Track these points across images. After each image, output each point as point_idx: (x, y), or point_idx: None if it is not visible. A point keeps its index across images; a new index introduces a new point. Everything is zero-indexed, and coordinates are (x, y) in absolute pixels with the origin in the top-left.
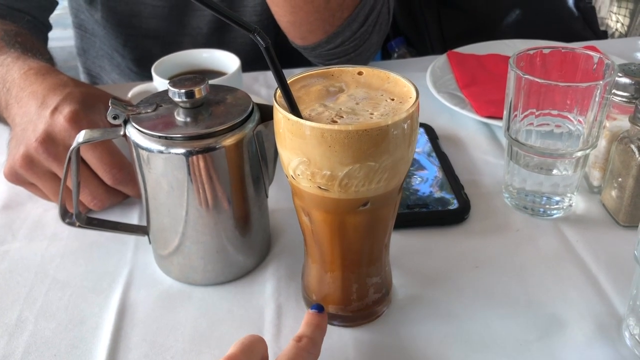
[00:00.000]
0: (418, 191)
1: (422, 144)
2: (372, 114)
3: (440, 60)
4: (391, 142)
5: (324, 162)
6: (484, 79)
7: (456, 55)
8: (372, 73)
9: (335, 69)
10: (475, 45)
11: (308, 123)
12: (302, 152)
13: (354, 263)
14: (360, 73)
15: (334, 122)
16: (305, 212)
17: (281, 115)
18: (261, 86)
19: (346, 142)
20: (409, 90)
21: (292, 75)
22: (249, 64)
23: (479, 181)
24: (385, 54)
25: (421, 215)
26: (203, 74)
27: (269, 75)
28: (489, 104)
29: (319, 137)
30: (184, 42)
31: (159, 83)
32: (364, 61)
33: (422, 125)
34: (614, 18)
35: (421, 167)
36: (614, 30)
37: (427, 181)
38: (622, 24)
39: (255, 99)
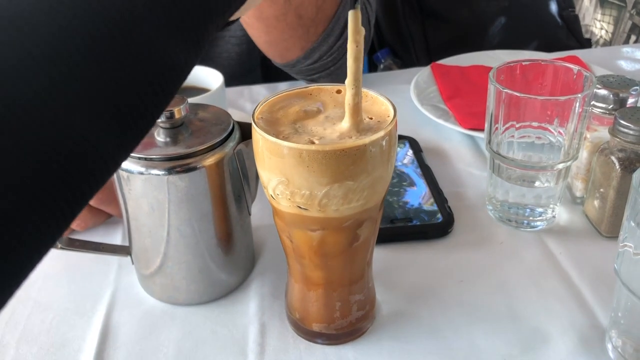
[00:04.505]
0: (407, 203)
1: (408, 157)
2: (350, 134)
3: (424, 73)
4: (369, 161)
5: (302, 182)
6: (467, 91)
7: (440, 67)
8: None
9: (313, 87)
10: (459, 56)
11: (286, 143)
12: (280, 172)
13: (336, 281)
14: (338, 92)
15: (312, 142)
16: (286, 232)
17: (259, 135)
18: (246, 101)
19: (324, 162)
20: (386, 108)
21: (271, 95)
22: (235, 78)
23: (463, 193)
24: (372, 65)
25: (405, 229)
26: (186, 91)
27: (254, 89)
28: (472, 116)
29: (297, 157)
30: None
31: None
32: (345, 74)
33: (406, 138)
34: (598, 25)
35: (412, 183)
36: (598, 37)
37: (417, 195)
38: (607, 31)
39: (240, 115)
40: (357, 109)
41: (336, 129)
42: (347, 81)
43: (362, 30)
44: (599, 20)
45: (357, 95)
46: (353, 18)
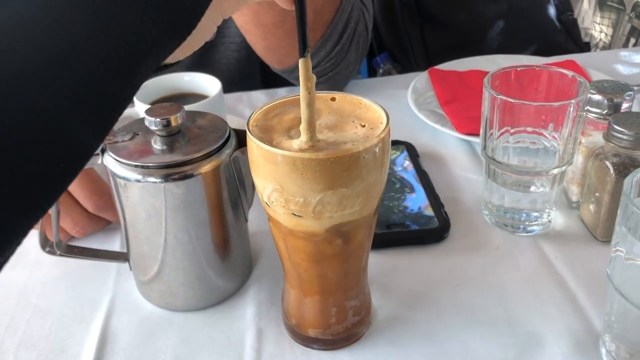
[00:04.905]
0: (407, 208)
1: (405, 163)
2: (344, 141)
3: (421, 78)
4: (363, 168)
5: (296, 189)
6: (464, 96)
7: (437, 72)
8: (345, 99)
9: None
10: (458, 61)
11: (279, 151)
12: (275, 179)
13: (331, 287)
14: (333, 99)
15: (306, 149)
16: (281, 238)
17: (254, 143)
18: (245, 107)
19: (318, 170)
20: (380, 116)
21: (266, 102)
22: (234, 84)
23: (459, 198)
24: (371, 70)
25: (401, 234)
26: (185, 98)
27: (253, 95)
28: (469, 121)
29: (291, 165)
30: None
31: (141, 108)
32: (344, 79)
33: (403, 143)
34: (597, 28)
35: (410, 188)
36: (597, 40)
37: (415, 200)
38: (606, 34)
39: (238, 121)
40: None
41: (325, 134)
42: (301, 127)
43: (313, 77)
44: (598, 24)
45: (311, 139)
46: (303, 66)
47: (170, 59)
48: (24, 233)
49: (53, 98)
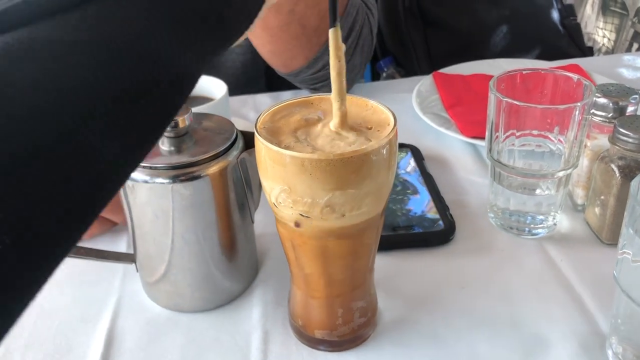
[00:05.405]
0: (410, 211)
1: (410, 166)
2: (351, 142)
3: (426, 81)
4: (370, 169)
5: (304, 190)
6: (469, 99)
7: (441, 75)
8: (351, 101)
9: (315, 97)
10: (461, 65)
11: (288, 152)
12: (283, 180)
13: (338, 288)
14: None
15: (314, 150)
16: (288, 239)
17: (262, 144)
18: (250, 110)
19: (327, 170)
20: (387, 117)
21: (273, 104)
22: (239, 87)
23: (464, 201)
24: (375, 74)
25: (407, 237)
26: (190, 100)
27: (258, 98)
28: (474, 124)
29: (299, 166)
30: None
31: None
32: (348, 83)
33: (408, 146)
34: (601, 33)
35: (415, 191)
36: (600, 45)
37: (420, 203)
38: (609, 39)
39: (243, 124)
40: (343, 118)
41: (332, 135)
42: (332, 95)
43: (343, 46)
44: (601, 29)
45: (343, 105)
46: (333, 35)
47: None
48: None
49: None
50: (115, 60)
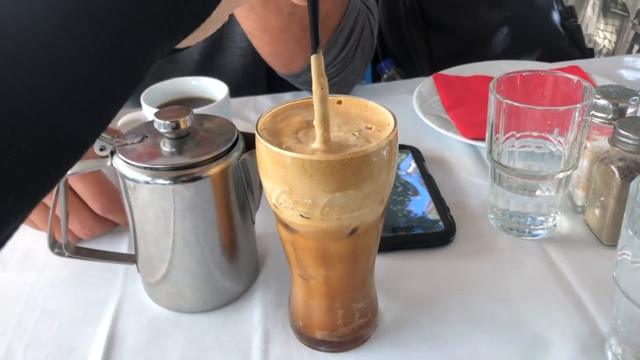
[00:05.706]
0: (411, 212)
1: (411, 167)
2: (352, 144)
3: (426, 83)
4: (370, 170)
5: (305, 191)
6: (469, 101)
7: (442, 77)
8: (351, 102)
9: None
10: (461, 67)
11: (288, 153)
12: (283, 181)
13: (338, 289)
14: (339, 102)
15: (314, 152)
16: (289, 240)
17: (263, 145)
18: (251, 111)
19: (327, 171)
20: (386, 118)
21: (274, 106)
22: (240, 89)
23: (465, 202)
24: (375, 76)
25: (407, 238)
26: (192, 102)
27: (259, 100)
28: (474, 125)
29: (300, 167)
30: (174, 68)
31: (148, 111)
32: (349, 85)
33: (409, 147)
34: (601, 35)
35: (415, 192)
36: (601, 47)
37: (421, 204)
38: (610, 41)
39: (244, 125)
40: (326, 144)
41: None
42: (315, 121)
43: (325, 75)
44: (602, 30)
45: (326, 132)
46: (315, 62)
47: (180, 45)
48: (17, 218)
49: (42, 80)
50: None
